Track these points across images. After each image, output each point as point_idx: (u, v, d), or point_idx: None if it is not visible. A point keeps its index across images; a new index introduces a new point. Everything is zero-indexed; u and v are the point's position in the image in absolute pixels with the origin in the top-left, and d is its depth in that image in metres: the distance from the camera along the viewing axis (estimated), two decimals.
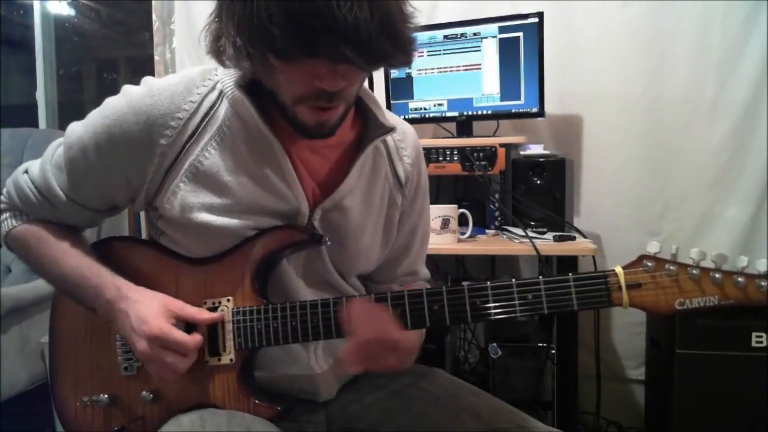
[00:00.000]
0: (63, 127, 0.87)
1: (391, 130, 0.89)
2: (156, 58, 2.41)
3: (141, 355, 0.79)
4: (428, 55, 1.91)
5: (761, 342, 1.53)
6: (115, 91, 0.84)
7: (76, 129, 0.84)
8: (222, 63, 0.75)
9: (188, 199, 0.81)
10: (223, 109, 0.82)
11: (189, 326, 0.82)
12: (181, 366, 0.79)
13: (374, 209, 0.92)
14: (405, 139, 0.97)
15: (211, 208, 0.81)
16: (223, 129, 0.81)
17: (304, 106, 0.74)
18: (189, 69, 0.85)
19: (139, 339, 0.78)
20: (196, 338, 0.79)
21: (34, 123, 2.84)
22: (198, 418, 0.78)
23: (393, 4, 0.67)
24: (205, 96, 0.81)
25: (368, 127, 0.89)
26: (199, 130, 0.81)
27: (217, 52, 0.74)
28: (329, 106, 0.74)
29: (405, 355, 0.80)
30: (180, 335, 0.78)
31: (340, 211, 0.87)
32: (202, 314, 0.82)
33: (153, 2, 2.38)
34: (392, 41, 0.67)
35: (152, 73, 2.41)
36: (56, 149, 0.87)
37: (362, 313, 0.78)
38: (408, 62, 0.73)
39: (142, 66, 2.84)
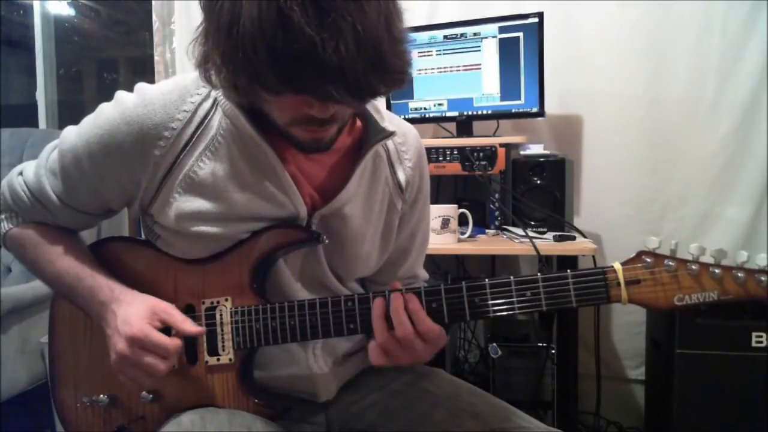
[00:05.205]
0: (63, 127, 0.86)
1: (390, 135, 0.87)
2: (156, 58, 2.41)
3: (119, 355, 0.77)
4: (430, 55, 1.90)
5: (761, 342, 1.53)
6: (115, 91, 0.83)
7: (71, 136, 0.83)
8: (211, 85, 0.72)
9: (183, 209, 0.80)
10: (217, 117, 0.80)
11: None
12: (160, 368, 0.77)
13: (374, 215, 0.91)
14: (406, 142, 0.95)
15: (206, 219, 0.81)
16: (217, 138, 0.80)
17: (298, 127, 0.73)
18: (183, 75, 0.83)
19: (120, 339, 0.77)
20: (176, 342, 0.78)
21: (34, 123, 2.84)
22: (198, 417, 0.78)
23: (383, 34, 0.62)
24: (200, 105, 0.80)
25: (368, 131, 0.87)
26: (193, 140, 0.79)
27: (205, 73, 0.70)
28: (322, 129, 0.74)
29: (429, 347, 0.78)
30: (160, 337, 0.76)
31: (340, 218, 0.86)
32: (185, 324, 0.80)
33: (153, 2, 2.38)
34: (381, 75, 0.64)
35: (152, 73, 2.42)
36: (51, 153, 0.86)
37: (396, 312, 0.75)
38: (401, 88, 0.69)
39: (142, 66, 2.85)
